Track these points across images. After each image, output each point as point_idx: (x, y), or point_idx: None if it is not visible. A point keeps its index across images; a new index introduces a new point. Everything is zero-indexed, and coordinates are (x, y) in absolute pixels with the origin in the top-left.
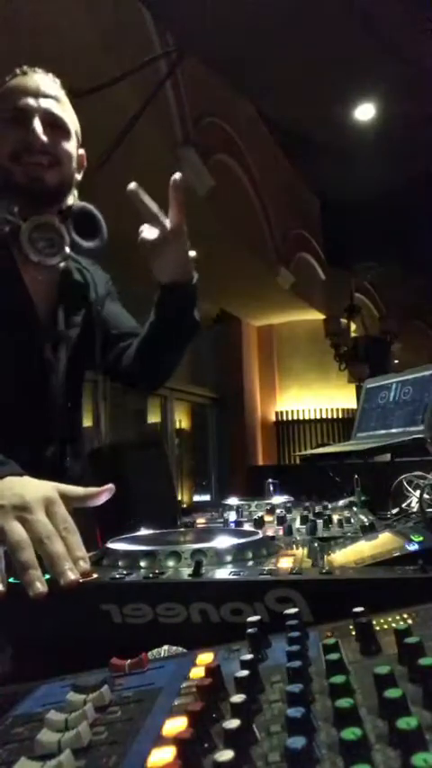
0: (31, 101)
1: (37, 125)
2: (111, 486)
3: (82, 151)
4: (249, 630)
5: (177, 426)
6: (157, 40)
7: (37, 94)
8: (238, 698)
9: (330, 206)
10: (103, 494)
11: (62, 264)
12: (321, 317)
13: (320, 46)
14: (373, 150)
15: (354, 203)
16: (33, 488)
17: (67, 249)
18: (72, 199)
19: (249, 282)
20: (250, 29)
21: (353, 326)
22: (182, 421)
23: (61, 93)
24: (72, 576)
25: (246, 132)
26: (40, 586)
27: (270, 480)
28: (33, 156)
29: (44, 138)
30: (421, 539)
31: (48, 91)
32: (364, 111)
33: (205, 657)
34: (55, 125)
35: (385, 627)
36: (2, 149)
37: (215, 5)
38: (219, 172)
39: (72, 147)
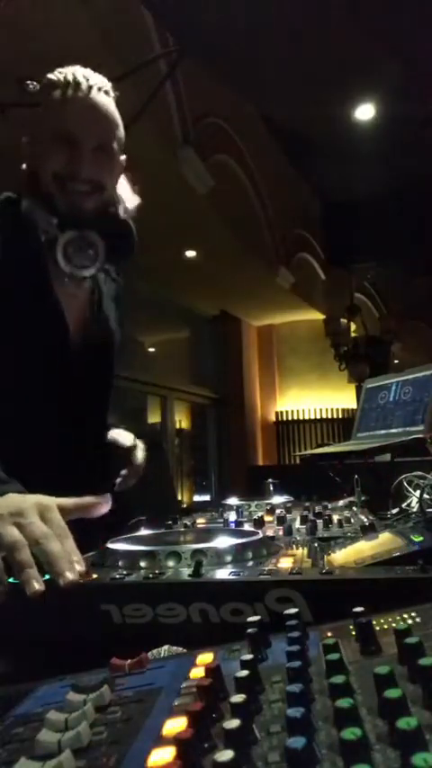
0: (82, 127)
1: (86, 155)
2: (107, 496)
3: (123, 157)
4: (249, 630)
5: (177, 426)
6: (157, 40)
7: (90, 120)
8: (238, 698)
9: (330, 206)
10: (100, 505)
11: (91, 275)
12: (321, 316)
13: (320, 46)
14: (373, 150)
15: (354, 203)
16: (30, 499)
17: (100, 262)
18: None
19: (249, 282)
20: (250, 29)
21: (353, 326)
22: (182, 421)
23: (113, 106)
24: (71, 575)
25: (246, 132)
26: (37, 585)
27: (270, 480)
28: (76, 185)
29: (90, 169)
30: (421, 539)
31: (101, 111)
32: (364, 111)
33: (205, 657)
34: (103, 149)
35: (385, 627)
36: (45, 166)
37: (215, 5)
38: (219, 172)
39: (117, 163)
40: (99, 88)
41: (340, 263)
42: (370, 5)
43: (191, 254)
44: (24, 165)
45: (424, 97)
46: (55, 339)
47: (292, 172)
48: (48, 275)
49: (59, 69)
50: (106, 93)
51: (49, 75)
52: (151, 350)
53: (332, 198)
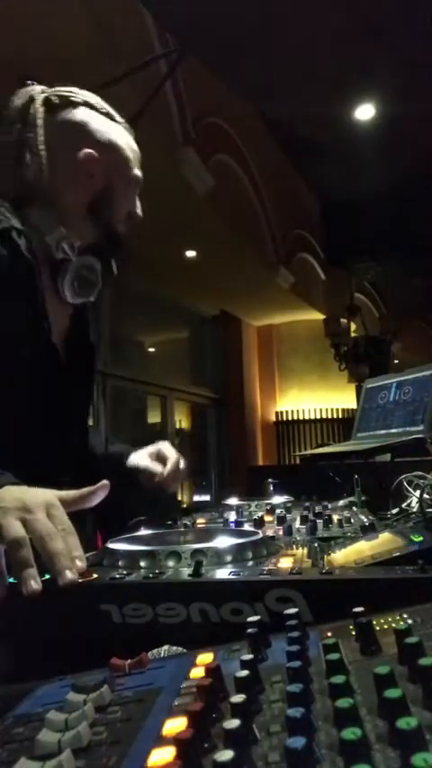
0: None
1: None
2: (105, 482)
3: None
4: (249, 630)
5: (177, 426)
6: (157, 40)
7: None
8: (238, 698)
9: (330, 206)
10: (99, 492)
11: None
12: (321, 316)
13: (320, 46)
14: (373, 150)
15: (353, 203)
16: (33, 493)
17: (98, 289)
18: None
19: (249, 282)
20: (250, 29)
21: (353, 326)
22: (182, 421)
23: None
24: (70, 575)
25: (246, 132)
26: (35, 585)
27: (270, 480)
28: (131, 224)
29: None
30: (421, 539)
31: None
32: (364, 111)
33: (205, 657)
34: None
35: (385, 627)
36: (123, 204)
37: (215, 5)
38: (219, 172)
39: None
40: None
41: (340, 263)
42: (370, 5)
43: (191, 254)
44: (79, 173)
45: (424, 97)
46: (40, 355)
47: (292, 172)
48: (41, 291)
49: (107, 107)
50: None
51: (110, 110)
52: (151, 350)
53: (332, 198)
